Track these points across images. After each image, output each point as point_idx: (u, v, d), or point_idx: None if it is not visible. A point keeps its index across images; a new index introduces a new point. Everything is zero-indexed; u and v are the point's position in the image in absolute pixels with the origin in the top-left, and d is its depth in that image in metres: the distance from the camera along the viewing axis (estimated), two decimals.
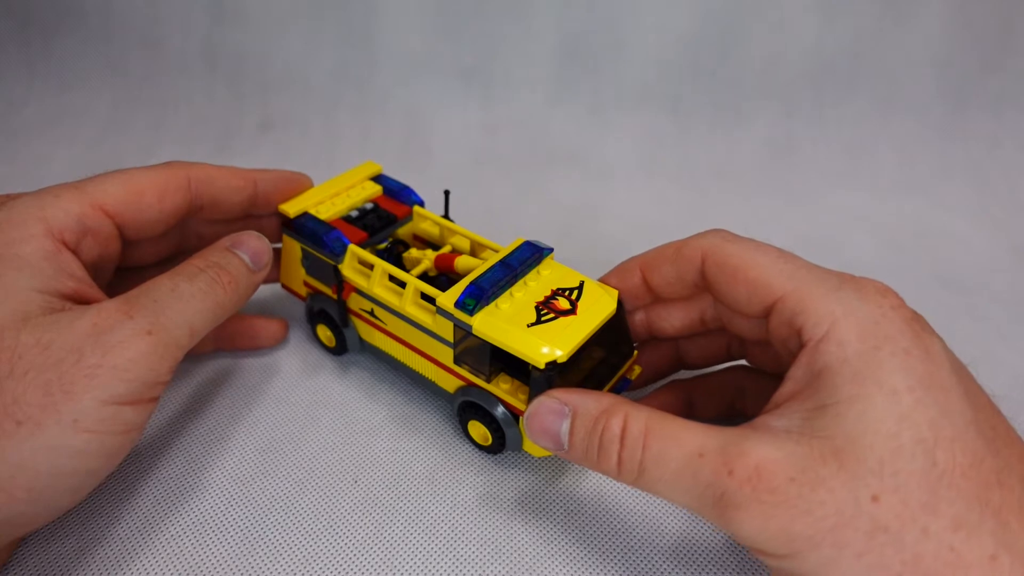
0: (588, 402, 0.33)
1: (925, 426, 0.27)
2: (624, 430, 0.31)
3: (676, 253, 0.39)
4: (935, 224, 0.68)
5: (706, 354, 0.43)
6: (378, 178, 0.51)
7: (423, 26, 0.80)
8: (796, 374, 0.31)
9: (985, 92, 0.73)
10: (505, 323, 0.37)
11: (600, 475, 0.42)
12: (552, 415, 0.34)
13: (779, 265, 0.34)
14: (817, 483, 0.27)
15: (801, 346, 0.32)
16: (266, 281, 0.50)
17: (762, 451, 0.28)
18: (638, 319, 0.43)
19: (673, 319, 0.42)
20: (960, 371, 0.30)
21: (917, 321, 0.31)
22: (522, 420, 0.38)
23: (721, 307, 0.39)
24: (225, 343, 0.49)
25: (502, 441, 0.40)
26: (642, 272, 0.41)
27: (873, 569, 0.26)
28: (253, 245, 0.40)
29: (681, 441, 0.30)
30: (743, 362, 0.43)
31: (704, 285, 0.38)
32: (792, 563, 0.27)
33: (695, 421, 0.31)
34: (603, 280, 0.42)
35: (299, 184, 0.47)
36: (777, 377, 0.38)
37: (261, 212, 0.46)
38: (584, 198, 0.71)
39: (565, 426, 0.34)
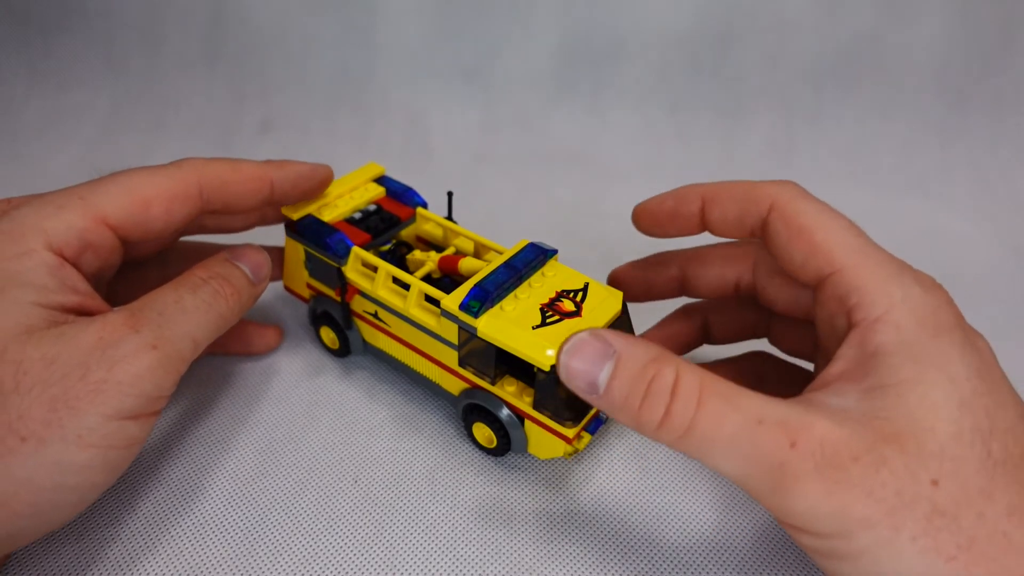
0: (638, 348, 0.30)
1: (983, 414, 0.28)
2: (677, 382, 0.29)
3: (745, 193, 0.36)
4: (935, 224, 0.68)
5: (732, 329, 0.43)
6: (381, 180, 0.51)
7: (423, 26, 0.80)
8: (847, 353, 0.31)
9: (985, 92, 0.73)
10: (510, 325, 0.37)
11: (602, 476, 0.42)
12: (595, 354, 0.30)
13: (847, 237, 0.33)
14: (880, 464, 0.27)
15: (850, 325, 0.31)
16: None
17: (826, 427, 0.27)
18: (671, 274, 0.42)
19: (709, 277, 0.41)
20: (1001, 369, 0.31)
21: (964, 319, 0.31)
22: (528, 423, 0.38)
23: (761, 272, 0.38)
24: (217, 347, 0.48)
25: (507, 443, 0.40)
26: (703, 201, 0.38)
27: (927, 552, 0.26)
28: (253, 258, 0.41)
29: (739, 405, 0.28)
30: (763, 349, 0.43)
31: (762, 234, 0.36)
32: (838, 543, 0.27)
33: (749, 389, 0.29)
34: (659, 200, 0.40)
35: (319, 179, 0.45)
36: (793, 368, 0.37)
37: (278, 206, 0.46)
38: (584, 198, 0.71)
39: (607, 369, 0.30)
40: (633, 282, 0.45)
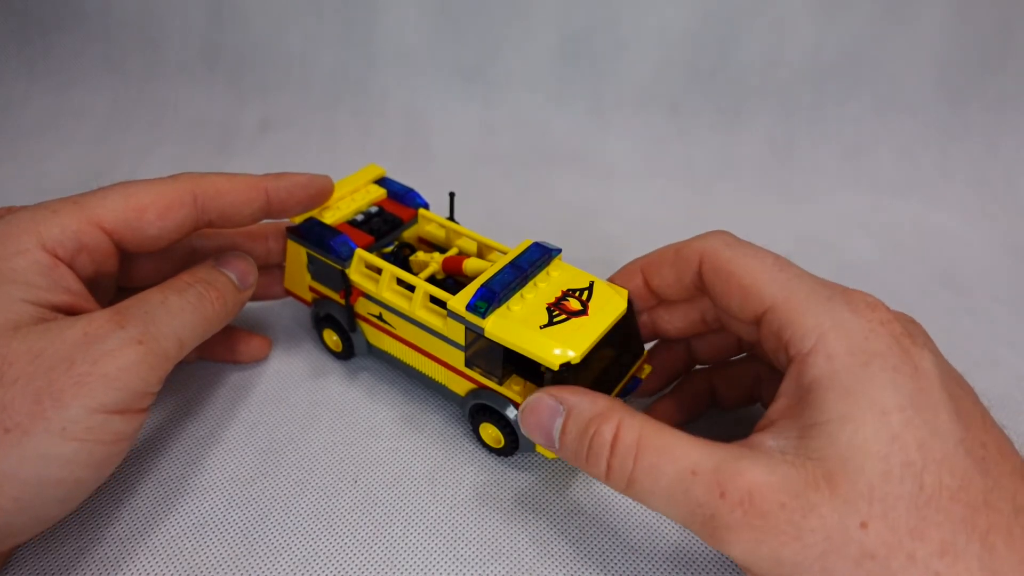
0: (584, 403, 0.33)
1: (914, 448, 0.27)
2: (616, 438, 0.31)
3: (675, 255, 0.39)
4: (935, 224, 0.69)
5: (717, 350, 0.43)
6: (382, 181, 0.51)
7: (423, 26, 0.80)
8: (787, 389, 0.31)
9: (985, 92, 0.74)
10: (517, 325, 0.37)
11: None
12: (547, 412, 0.34)
13: (772, 274, 0.34)
14: (808, 509, 0.27)
15: (789, 359, 0.32)
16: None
17: (755, 474, 0.28)
18: (642, 321, 0.43)
19: (675, 320, 0.42)
20: (951, 385, 0.30)
21: (907, 336, 0.30)
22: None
23: (719, 310, 0.39)
24: (204, 353, 0.48)
25: (515, 443, 0.40)
26: (643, 274, 0.41)
27: None
28: (239, 266, 0.41)
29: (675, 456, 0.30)
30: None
31: (701, 287, 0.38)
32: None
33: (691, 435, 0.31)
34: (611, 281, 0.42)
35: (317, 189, 0.44)
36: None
37: (277, 219, 0.46)
38: (584, 198, 0.71)
39: (558, 424, 0.34)
40: None
